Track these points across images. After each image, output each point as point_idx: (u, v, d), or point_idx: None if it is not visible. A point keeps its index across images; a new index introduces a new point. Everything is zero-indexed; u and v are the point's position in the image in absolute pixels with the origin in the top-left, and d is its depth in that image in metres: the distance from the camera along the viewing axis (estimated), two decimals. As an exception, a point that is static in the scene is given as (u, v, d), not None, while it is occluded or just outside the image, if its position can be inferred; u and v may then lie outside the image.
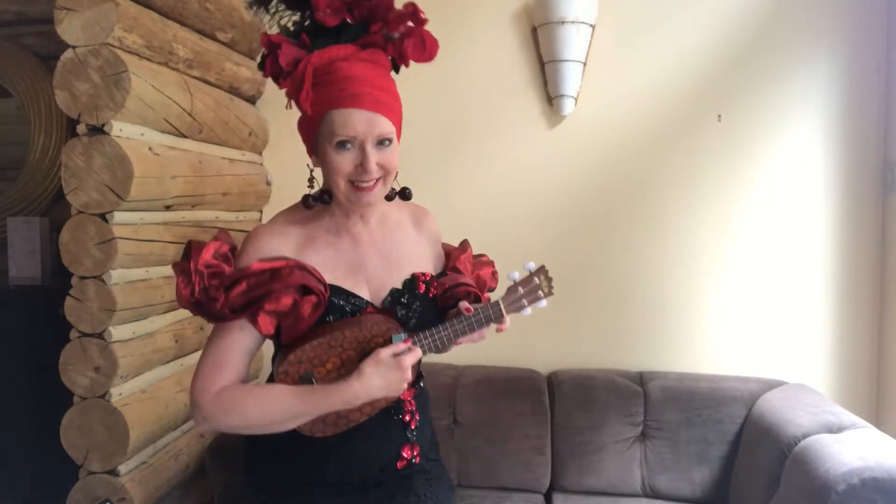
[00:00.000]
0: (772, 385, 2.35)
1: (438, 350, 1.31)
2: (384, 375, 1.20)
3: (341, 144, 1.21)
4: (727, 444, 2.28)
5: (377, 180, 1.24)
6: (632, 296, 2.59)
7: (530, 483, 2.36)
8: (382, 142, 1.23)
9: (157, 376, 2.13)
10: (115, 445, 1.92)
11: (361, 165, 1.22)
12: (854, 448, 1.77)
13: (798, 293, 2.52)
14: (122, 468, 1.97)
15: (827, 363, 2.52)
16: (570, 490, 2.36)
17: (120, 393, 1.94)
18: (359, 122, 1.20)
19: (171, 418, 2.16)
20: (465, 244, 1.50)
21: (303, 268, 1.23)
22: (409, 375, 1.22)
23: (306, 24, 1.25)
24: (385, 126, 1.22)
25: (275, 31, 1.28)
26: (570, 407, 2.39)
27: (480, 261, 1.52)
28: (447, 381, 2.47)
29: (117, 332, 1.92)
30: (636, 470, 2.33)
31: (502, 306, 1.32)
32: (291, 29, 1.27)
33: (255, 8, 1.28)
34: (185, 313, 2.26)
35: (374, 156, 1.22)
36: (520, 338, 2.65)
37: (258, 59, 1.31)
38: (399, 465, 1.35)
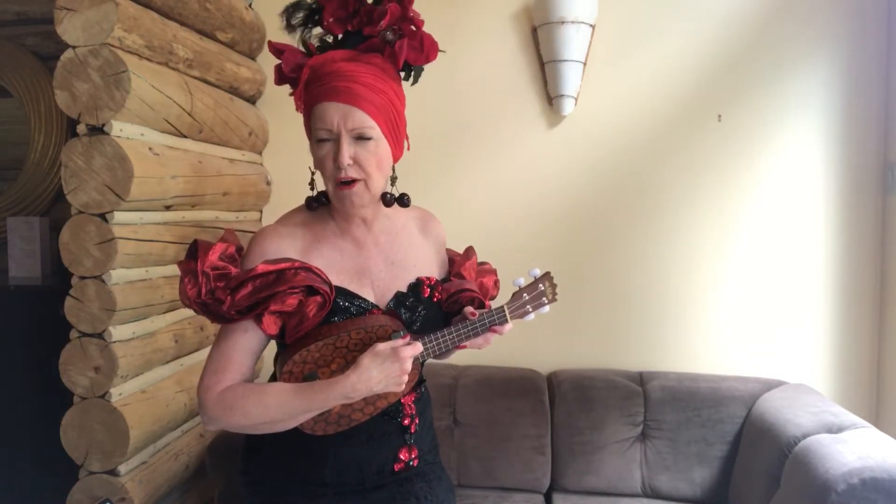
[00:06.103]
0: (772, 385, 2.35)
1: (441, 353, 1.30)
2: (382, 367, 1.18)
3: (320, 139, 1.23)
4: (727, 444, 2.28)
5: (356, 181, 1.22)
6: (632, 296, 2.59)
7: (530, 483, 2.36)
8: (360, 137, 1.21)
9: (157, 376, 2.13)
10: (115, 445, 1.92)
11: (335, 158, 1.21)
12: (854, 448, 1.77)
13: (798, 293, 2.52)
14: (122, 468, 1.97)
15: (827, 363, 2.52)
16: (570, 490, 2.36)
17: (120, 393, 1.94)
18: (334, 114, 1.20)
19: (171, 418, 2.16)
20: (469, 251, 1.49)
21: (308, 269, 1.23)
22: (407, 367, 1.19)
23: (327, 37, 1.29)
24: (361, 120, 1.21)
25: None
26: (570, 407, 2.39)
27: (484, 269, 1.52)
28: (447, 381, 2.47)
29: (117, 332, 1.92)
30: (636, 470, 2.33)
31: (507, 312, 1.32)
32: (317, 45, 1.30)
33: (289, 32, 1.31)
34: (185, 313, 2.26)
35: (348, 149, 1.20)
36: (520, 338, 2.65)
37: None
38: (396, 467, 1.35)
